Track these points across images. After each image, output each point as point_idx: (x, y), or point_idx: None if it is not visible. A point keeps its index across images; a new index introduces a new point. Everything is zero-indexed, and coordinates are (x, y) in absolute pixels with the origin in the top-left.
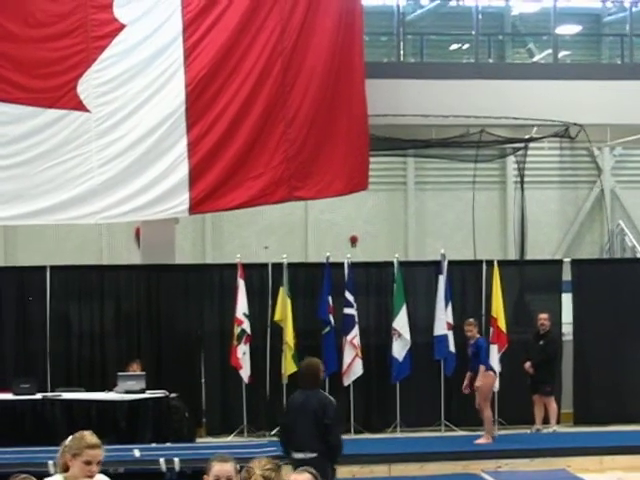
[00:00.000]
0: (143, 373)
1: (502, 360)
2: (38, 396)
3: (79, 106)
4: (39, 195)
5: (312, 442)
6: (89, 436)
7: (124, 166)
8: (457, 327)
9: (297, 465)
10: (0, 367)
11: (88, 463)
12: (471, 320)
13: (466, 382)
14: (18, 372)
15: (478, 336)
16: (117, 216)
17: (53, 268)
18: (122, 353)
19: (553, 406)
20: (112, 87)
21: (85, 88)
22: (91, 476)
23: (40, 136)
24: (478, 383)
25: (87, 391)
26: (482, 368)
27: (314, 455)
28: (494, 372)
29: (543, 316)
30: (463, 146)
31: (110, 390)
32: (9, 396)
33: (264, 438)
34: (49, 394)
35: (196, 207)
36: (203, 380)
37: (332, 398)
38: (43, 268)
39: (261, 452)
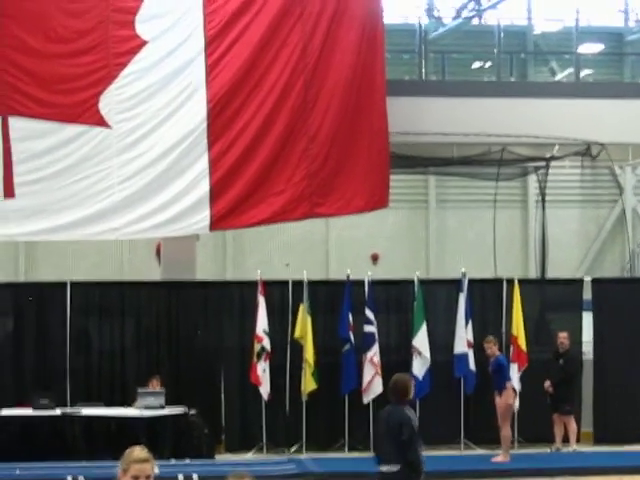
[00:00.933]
0: (162, 390)
1: (522, 379)
2: (57, 411)
3: (100, 122)
4: (60, 211)
5: (394, 456)
6: (137, 450)
7: (145, 182)
8: (477, 345)
9: (382, 478)
10: (20, 382)
11: (136, 478)
12: (490, 337)
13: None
14: (38, 387)
15: (498, 353)
16: (138, 232)
17: (73, 284)
18: (142, 369)
19: (573, 425)
20: (134, 104)
21: (107, 104)
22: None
23: (61, 152)
24: (510, 400)
25: (106, 407)
26: (509, 385)
27: (397, 469)
28: (514, 390)
29: (562, 335)
30: (484, 164)
31: (129, 406)
32: (29, 411)
33: (283, 455)
34: (68, 409)
35: (217, 224)
36: (223, 397)
37: (412, 415)
38: (63, 284)
39: (280, 469)
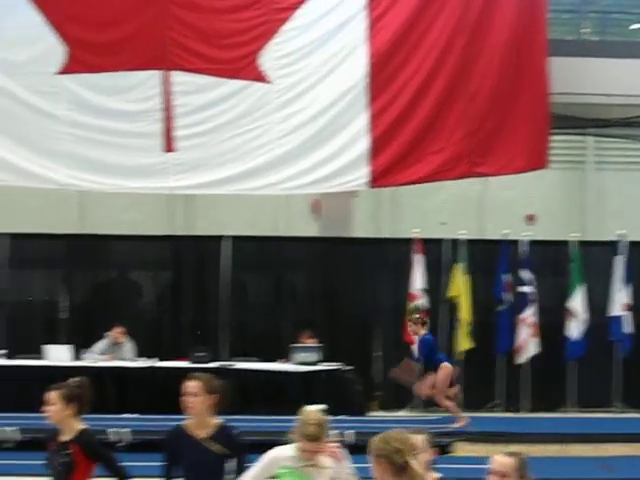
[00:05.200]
0: (318, 345)
1: None
2: (213, 365)
3: (260, 77)
4: (220, 165)
5: None
6: (308, 411)
7: (304, 138)
8: (636, 308)
9: None
10: (178, 336)
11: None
12: None
13: None
14: (196, 341)
15: None
16: (297, 188)
17: (230, 238)
18: (297, 324)
19: None
20: (293, 59)
21: (266, 60)
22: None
23: (222, 106)
24: None
25: (261, 361)
26: None
27: None
28: None
29: None
30: None
31: (284, 361)
32: (185, 364)
33: (436, 413)
34: (224, 363)
35: (376, 181)
36: (377, 354)
37: None
38: (221, 238)
39: (433, 427)
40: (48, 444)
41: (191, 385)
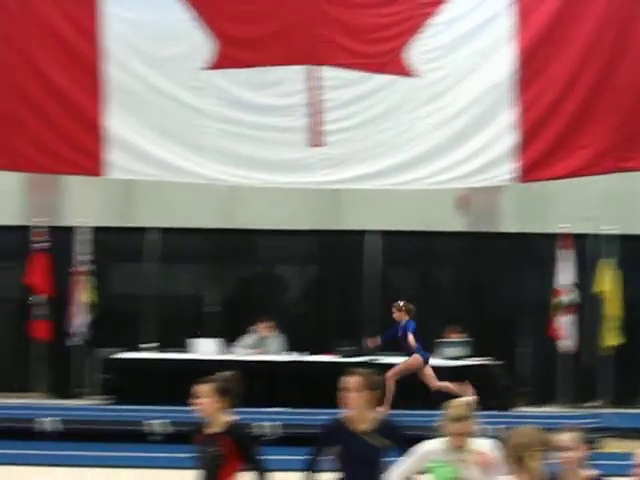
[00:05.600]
0: (466, 339)
1: None
2: (360, 359)
3: (406, 72)
4: (367, 159)
5: None
6: (457, 404)
7: (451, 133)
8: None
9: None
10: (323, 330)
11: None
12: None
13: None
14: (343, 335)
15: None
16: (444, 182)
17: (380, 233)
18: (444, 319)
19: None
20: (440, 54)
21: (412, 54)
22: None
23: (369, 101)
24: None
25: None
26: None
27: None
28: None
29: None
30: None
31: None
32: (332, 358)
33: (585, 409)
34: (371, 357)
35: (525, 175)
36: (524, 349)
37: None
38: (367, 232)
39: (583, 423)
40: (194, 437)
41: (351, 381)
